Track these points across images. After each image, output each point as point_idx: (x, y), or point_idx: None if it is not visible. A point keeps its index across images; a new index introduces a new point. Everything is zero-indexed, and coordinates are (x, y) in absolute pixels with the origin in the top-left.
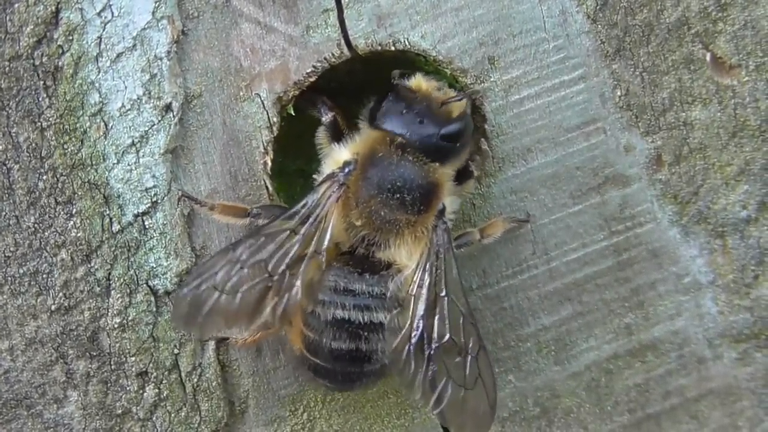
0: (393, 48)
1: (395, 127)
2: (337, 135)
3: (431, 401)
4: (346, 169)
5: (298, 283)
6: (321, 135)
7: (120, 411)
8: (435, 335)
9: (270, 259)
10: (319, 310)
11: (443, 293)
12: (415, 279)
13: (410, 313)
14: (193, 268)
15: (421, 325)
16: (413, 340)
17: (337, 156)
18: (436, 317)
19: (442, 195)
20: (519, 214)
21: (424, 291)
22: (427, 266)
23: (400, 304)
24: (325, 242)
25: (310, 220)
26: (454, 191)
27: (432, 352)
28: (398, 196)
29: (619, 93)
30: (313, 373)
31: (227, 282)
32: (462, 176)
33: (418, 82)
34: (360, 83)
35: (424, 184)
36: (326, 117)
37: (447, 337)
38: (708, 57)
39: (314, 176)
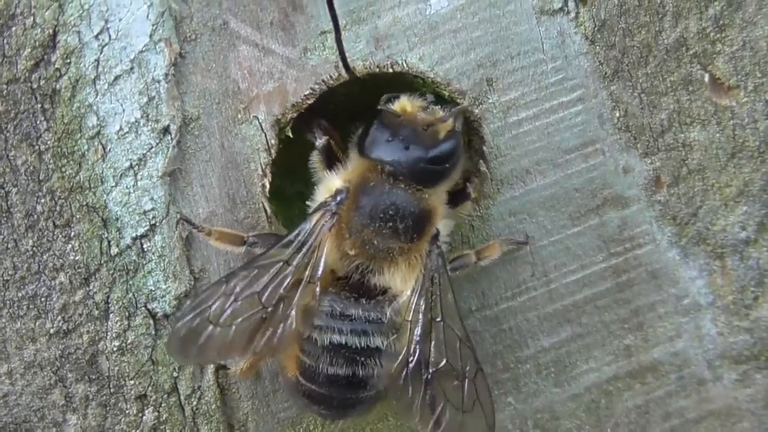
0: (391, 70)
1: (382, 156)
2: (331, 160)
3: (429, 426)
4: (338, 198)
5: (293, 313)
6: (315, 160)
7: None
8: (432, 360)
9: (264, 290)
10: (315, 335)
11: (439, 318)
12: (411, 305)
13: (407, 339)
14: (188, 301)
15: (417, 350)
16: (410, 366)
17: (329, 184)
18: (433, 342)
19: (435, 221)
20: (518, 236)
21: (420, 316)
22: (422, 291)
23: (396, 329)
24: (319, 271)
25: (303, 249)
26: (448, 214)
27: (429, 377)
28: (391, 224)
29: (617, 114)
30: (308, 400)
31: (221, 315)
32: (458, 198)
33: (403, 104)
34: (358, 105)
35: (417, 212)
36: (320, 141)
37: (444, 361)
38: (707, 78)
39: (308, 203)
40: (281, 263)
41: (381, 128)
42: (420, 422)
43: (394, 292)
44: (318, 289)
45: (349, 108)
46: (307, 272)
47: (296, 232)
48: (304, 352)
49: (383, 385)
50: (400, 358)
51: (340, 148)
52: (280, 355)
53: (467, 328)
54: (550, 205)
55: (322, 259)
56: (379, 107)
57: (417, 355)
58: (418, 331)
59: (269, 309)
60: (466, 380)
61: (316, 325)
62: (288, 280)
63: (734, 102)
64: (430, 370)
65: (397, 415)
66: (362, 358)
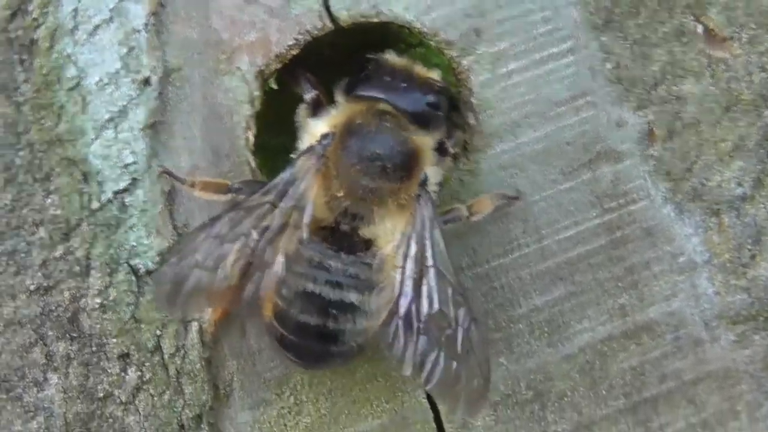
0: (376, 20)
1: (379, 93)
2: (319, 112)
3: (423, 376)
4: (324, 141)
5: (280, 258)
6: (302, 113)
7: (102, 394)
8: (424, 307)
9: (250, 233)
10: (291, 280)
11: (430, 263)
12: (399, 251)
13: (397, 286)
14: (173, 246)
15: (408, 297)
16: (401, 312)
17: (313, 130)
18: (424, 288)
19: (423, 163)
20: (509, 190)
21: (410, 262)
22: (413, 236)
23: (375, 285)
24: (306, 216)
25: (290, 193)
26: (435, 162)
27: (421, 325)
28: (379, 163)
29: (609, 66)
30: (279, 344)
31: (207, 258)
32: (439, 150)
33: (393, 57)
34: (343, 56)
35: (405, 150)
36: (309, 94)
37: (436, 308)
38: (700, 29)
39: (292, 155)
40: (268, 205)
41: (378, 70)
42: (413, 373)
43: (380, 244)
44: (304, 234)
45: (334, 60)
46: (293, 216)
47: (281, 176)
48: (279, 295)
49: (357, 342)
50: (390, 305)
51: (328, 101)
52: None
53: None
54: (542, 159)
55: (309, 203)
56: (368, 57)
57: (408, 301)
58: (408, 277)
59: (256, 252)
60: (460, 329)
61: (294, 271)
62: (275, 222)
63: (728, 54)
64: (422, 318)
65: (389, 374)
66: (334, 311)
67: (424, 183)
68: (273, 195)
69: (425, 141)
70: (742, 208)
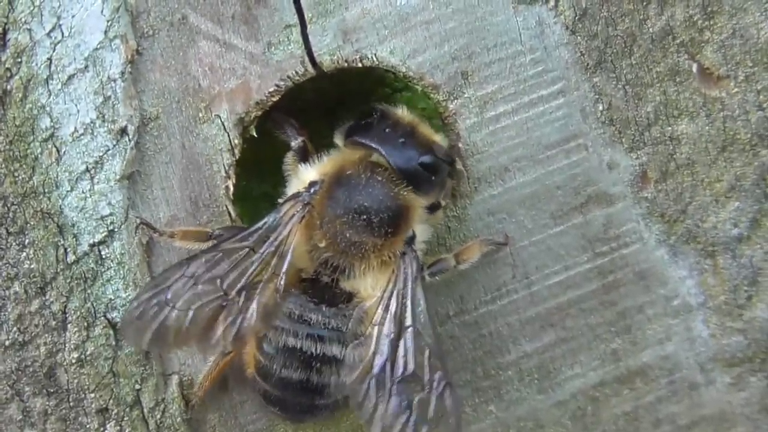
0: (360, 64)
1: (375, 143)
2: (306, 159)
3: None
4: (312, 189)
5: (254, 306)
6: (289, 160)
7: None
8: (398, 368)
9: (226, 277)
10: (271, 335)
11: (408, 323)
12: (379, 308)
13: (373, 344)
14: (148, 281)
15: (384, 356)
16: (375, 371)
17: (303, 176)
18: (400, 349)
19: (411, 220)
20: (497, 236)
21: (389, 321)
22: (394, 295)
23: (357, 338)
24: (285, 264)
25: (270, 239)
26: (425, 220)
27: (394, 386)
28: (365, 216)
29: (600, 107)
30: (263, 399)
31: (179, 298)
32: (431, 207)
33: (404, 111)
34: (327, 101)
35: (393, 206)
36: (295, 142)
37: (411, 370)
38: (695, 68)
39: (279, 200)
40: (247, 250)
41: (382, 119)
42: None
43: (362, 297)
44: (282, 283)
45: (318, 105)
46: (273, 262)
47: (264, 221)
48: (260, 350)
49: (341, 395)
50: (364, 363)
51: (314, 147)
52: (238, 349)
53: (440, 338)
54: (531, 204)
55: (290, 251)
56: (377, 106)
57: (382, 361)
58: (385, 336)
59: (230, 297)
60: (434, 393)
61: (274, 325)
62: (252, 268)
63: (724, 93)
64: (396, 379)
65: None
66: (317, 365)
67: (410, 241)
68: (253, 240)
69: (416, 199)
70: (738, 249)
